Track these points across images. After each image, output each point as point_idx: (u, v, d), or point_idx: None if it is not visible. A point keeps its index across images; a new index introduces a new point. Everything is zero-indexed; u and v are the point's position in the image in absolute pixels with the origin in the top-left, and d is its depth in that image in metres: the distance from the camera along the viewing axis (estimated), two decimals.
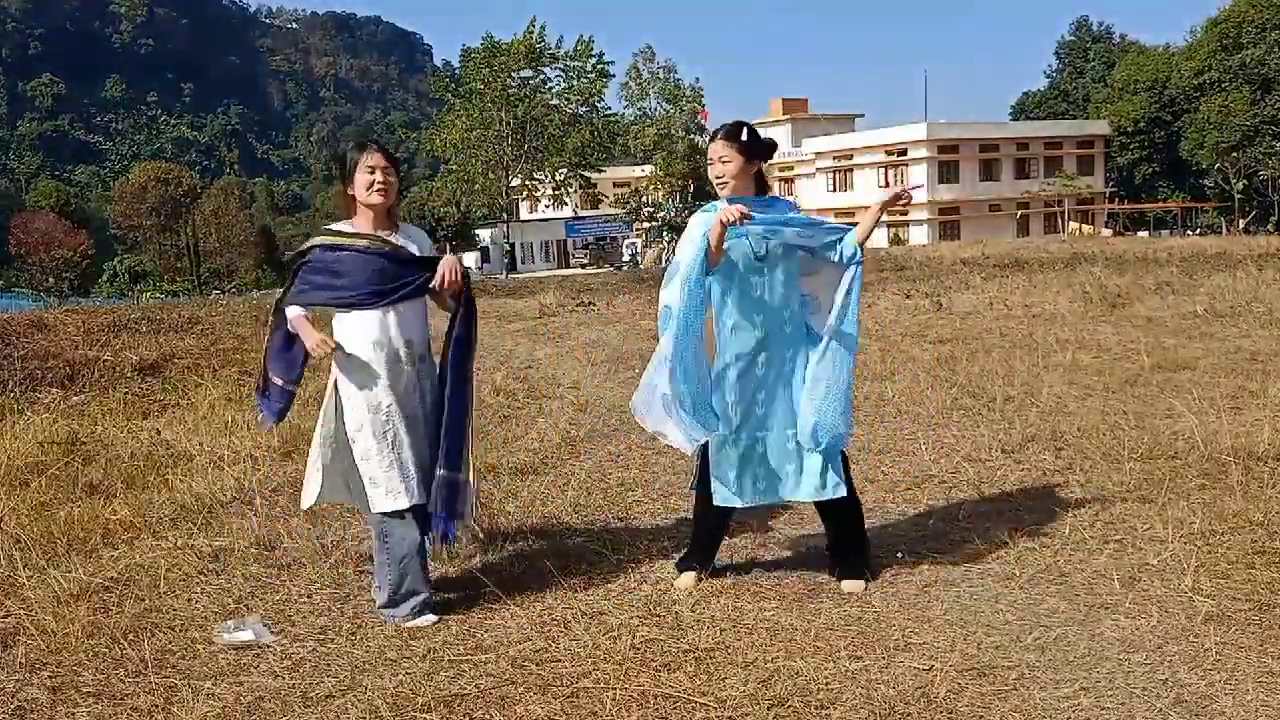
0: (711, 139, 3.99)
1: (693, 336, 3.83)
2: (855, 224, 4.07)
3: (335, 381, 3.89)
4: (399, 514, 3.83)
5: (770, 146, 4.02)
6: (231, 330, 14.74)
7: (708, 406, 3.90)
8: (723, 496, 4.00)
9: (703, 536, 4.16)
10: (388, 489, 3.80)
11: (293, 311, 3.91)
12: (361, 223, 3.87)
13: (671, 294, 3.91)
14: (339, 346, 3.80)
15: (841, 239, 4.01)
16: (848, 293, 4.01)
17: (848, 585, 3.96)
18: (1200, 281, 15.77)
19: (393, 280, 3.82)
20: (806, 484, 3.99)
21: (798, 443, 3.97)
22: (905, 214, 64.26)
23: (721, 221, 3.71)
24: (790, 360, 4.00)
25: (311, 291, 3.89)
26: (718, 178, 3.94)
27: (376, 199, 3.81)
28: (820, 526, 4.27)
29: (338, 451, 3.88)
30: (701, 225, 3.89)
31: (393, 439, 3.82)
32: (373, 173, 3.79)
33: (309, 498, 4.01)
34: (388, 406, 3.82)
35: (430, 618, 3.82)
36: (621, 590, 4.05)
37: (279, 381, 4.02)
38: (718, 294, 3.96)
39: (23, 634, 3.89)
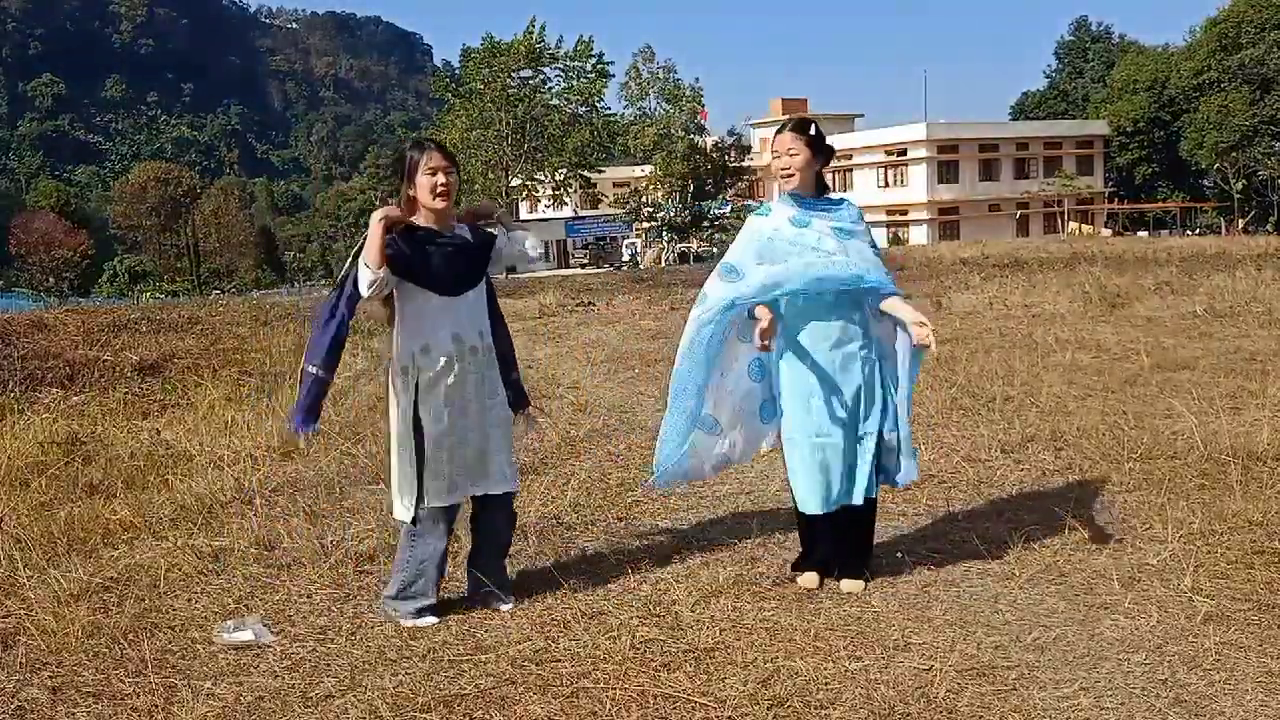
0: (779, 130, 3.94)
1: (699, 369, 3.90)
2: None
3: (391, 382, 3.86)
4: (434, 515, 3.82)
5: (833, 150, 4.02)
6: (231, 330, 14.73)
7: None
8: (802, 502, 3.97)
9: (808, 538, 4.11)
10: (409, 497, 3.79)
11: (363, 283, 3.68)
12: (422, 223, 3.83)
13: (715, 292, 3.90)
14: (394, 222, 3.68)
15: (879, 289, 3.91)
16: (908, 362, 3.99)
17: (848, 585, 3.96)
18: (1200, 281, 15.76)
19: (465, 268, 3.80)
20: (859, 486, 3.94)
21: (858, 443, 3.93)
22: (905, 214, 64.37)
23: (762, 342, 3.72)
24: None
25: (393, 260, 3.68)
26: (784, 170, 3.89)
27: (440, 203, 3.76)
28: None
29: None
30: (755, 234, 3.91)
31: (442, 438, 3.78)
32: (435, 174, 3.74)
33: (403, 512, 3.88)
34: (441, 404, 3.77)
35: (431, 620, 3.82)
36: (621, 590, 4.05)
37: (309, 368, 3.80)
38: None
39: (23, 634, 3.89)
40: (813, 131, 3.90)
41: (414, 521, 3.78)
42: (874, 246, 4.01)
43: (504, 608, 3.89)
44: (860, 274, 3.83)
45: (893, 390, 3.96)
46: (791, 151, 3.87)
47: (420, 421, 3.74)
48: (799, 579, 4.04)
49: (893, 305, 3.87)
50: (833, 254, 3.84)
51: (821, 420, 3.87)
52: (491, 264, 3.94)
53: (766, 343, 3.72)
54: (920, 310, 3.94)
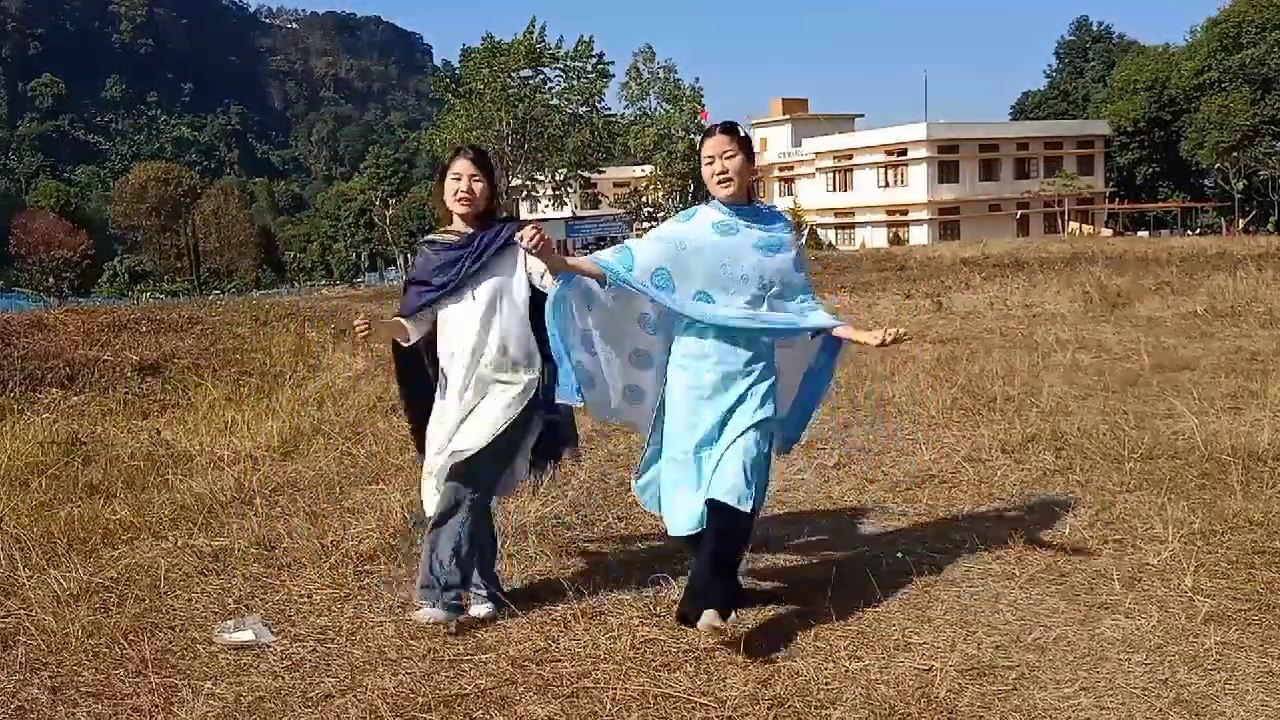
0: (708, 135, 3.70)
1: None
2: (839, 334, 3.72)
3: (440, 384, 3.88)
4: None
5: (754, 156, 3.85)
6: (231, 330, 14.73)
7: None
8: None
9: None
10: (430, 491, 3.87)
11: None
12: (454, 228, 3.86)
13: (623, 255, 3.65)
14: (377, 331, 3.79)
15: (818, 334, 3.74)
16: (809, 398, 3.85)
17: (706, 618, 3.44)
18: (1200, 281, 15.77)
19: (470, 267, 3.77)
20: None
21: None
22: (905, 214, 64.36)
23: None
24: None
25: (410, 300, 3.87)
26: (722, 174, 3.63)
27: (461, 208, 3.79)
28: (820, 527, 4.27)
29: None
30: (677, 233, 3.67)
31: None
32: (458, 179, 3.77)
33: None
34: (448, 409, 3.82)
35: (435, 613, 3.79)
36: (621, 590, 4.05)
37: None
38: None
39: (23, 634, 3.89)
40: (744, 134, 3.70)
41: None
42: (802, 266, 3.75)
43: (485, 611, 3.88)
44: (795, 324, 3.65)
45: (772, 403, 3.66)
46: (728, 154, 3.63)
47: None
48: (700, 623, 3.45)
49: (847, 334, 3.67)
50: (747, 278, 3.59)
51: (690, 436, 3.63)
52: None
53: None
54: (861, 324, 3.75)
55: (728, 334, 3.62)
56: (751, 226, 3.67)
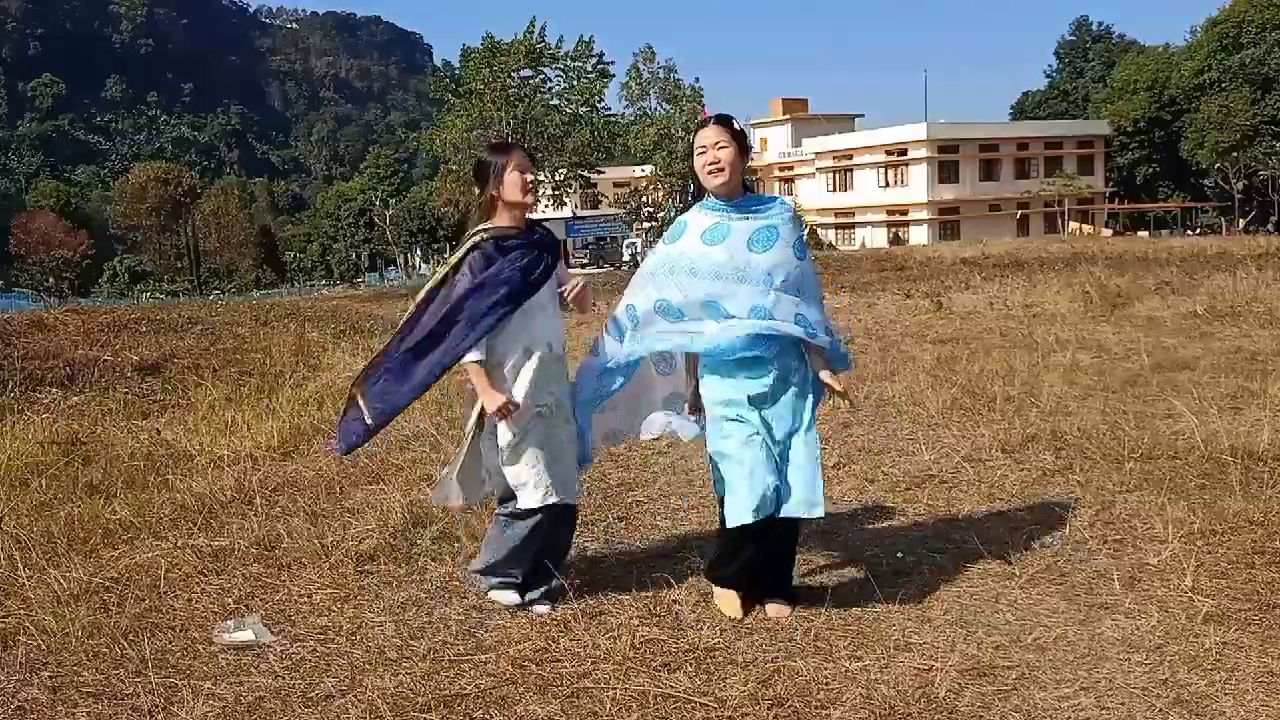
0: (701, 126, 3.69)
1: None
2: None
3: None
4: (549, 508, 3.83)
5: (750, 148, 3.88)
6: (231, 330, 14.72)
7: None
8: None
9: None
10: (537, 486, 3.79)
11: (471, 356, 3.70)
12: (504, 223, 3.84)
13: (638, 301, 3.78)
14: (510, 398, 3.72)
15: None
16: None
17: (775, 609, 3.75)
18: (1200, 281, 15.77)
19: (538, 268, 3.80)
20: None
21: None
22: (905, 214, 64.36)
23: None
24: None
25: (482, 317, 3.70)
26: (713, 164, 3.59)
27: (531, 198, 3.83)
28: (820, 527, 4.26)
29: (484, 447, 3.88)
30: (665, 261, 3.70)
31: (545, 439, 3.80)
32: (523, 172, 3.80)
33: (444, 498, 4.04)
34: (537, 407, 3.80)
35: (510, 597, 3.87)
36: (621, 590, 4.05)
37: (367, 415, 3.81)
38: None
39: (23, 634, 3.89)
40: (737, 126, 3.67)
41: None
42: (802, 253, 3.70)
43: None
44: (777, 327, 3.58)
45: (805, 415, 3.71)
46: (720, 145, 3.58)
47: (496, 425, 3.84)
48: (721, 601, 3.79)
49: (826, 379, 3.71)
50: (745, 277, 3.57)
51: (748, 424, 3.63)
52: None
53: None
54: (836, 380, 3.74)
55: (749, 349, 3.61)
56: (746, 218, 3.63)
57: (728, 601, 3.76)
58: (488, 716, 3.09)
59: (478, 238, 3.79)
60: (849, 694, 3.09)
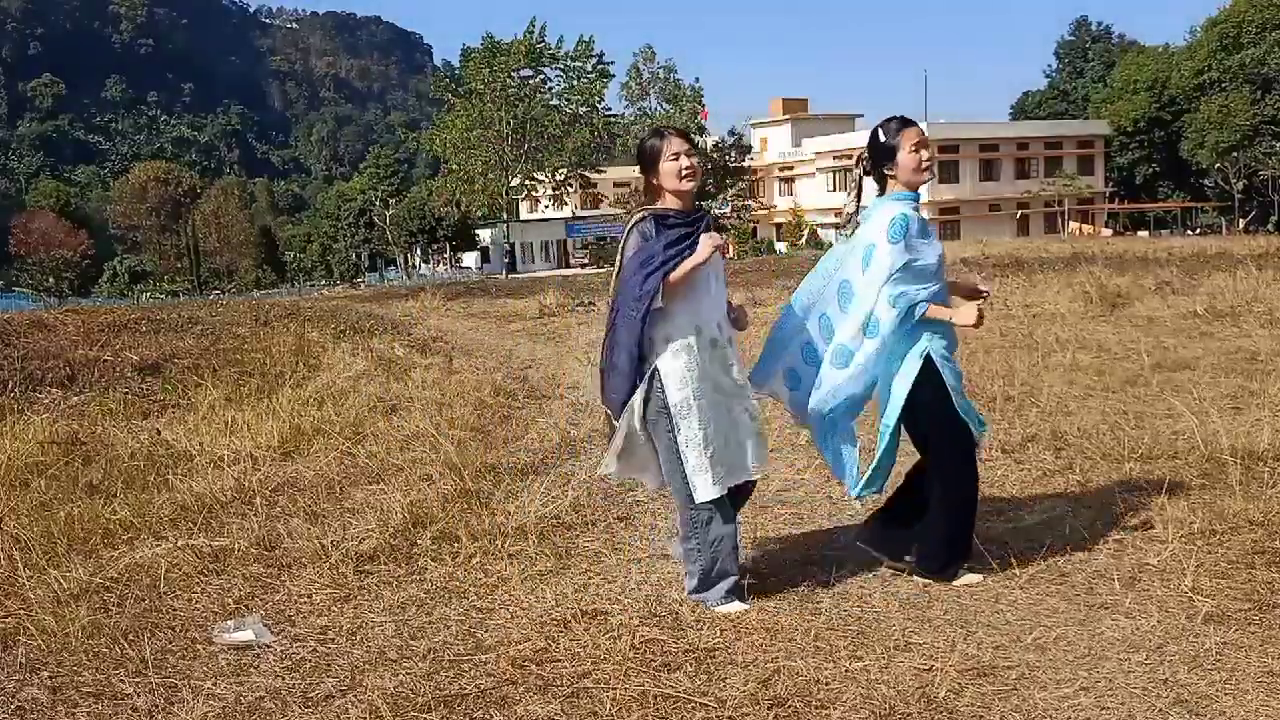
0: (909, 124, 3.93)
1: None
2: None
3: (655, 368, 3.82)
4: (718, 499, 3.81)
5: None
6: (231, 330, 14.73)
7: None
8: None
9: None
10: (713, 475, 3.77)
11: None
12: (671, 207, 3.86)
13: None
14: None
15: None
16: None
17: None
18: (1200, 281, 15.76)
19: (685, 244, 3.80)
20: None
21: None
22: None
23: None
24: None
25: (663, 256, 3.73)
26: (929, 162, 3.93)
27: (689, 185, 3.83)
28: (820, 527, 4.26)
29: (654, 434, 3.85)
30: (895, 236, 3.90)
31: (715, 422, 3.79)
32: (677, 158, 3.81)
33: (610, 468, 4.01)
34: (711, 390, 3.80)
35: (739, 605, 3.79)
36: (621, 590, 4.05)
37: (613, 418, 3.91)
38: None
39: (23, 634, 3.89)
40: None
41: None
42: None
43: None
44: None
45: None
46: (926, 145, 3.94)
47: (671, 408, 3.80)
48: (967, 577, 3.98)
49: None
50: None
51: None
52: None
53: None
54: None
55: None
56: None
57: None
58: (488, 716, 3.09)
59: (638, 216, 3.86)
60: (849, 694, 3.09)
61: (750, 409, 3.93)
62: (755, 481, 4.08)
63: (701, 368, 3.79)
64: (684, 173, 3.81)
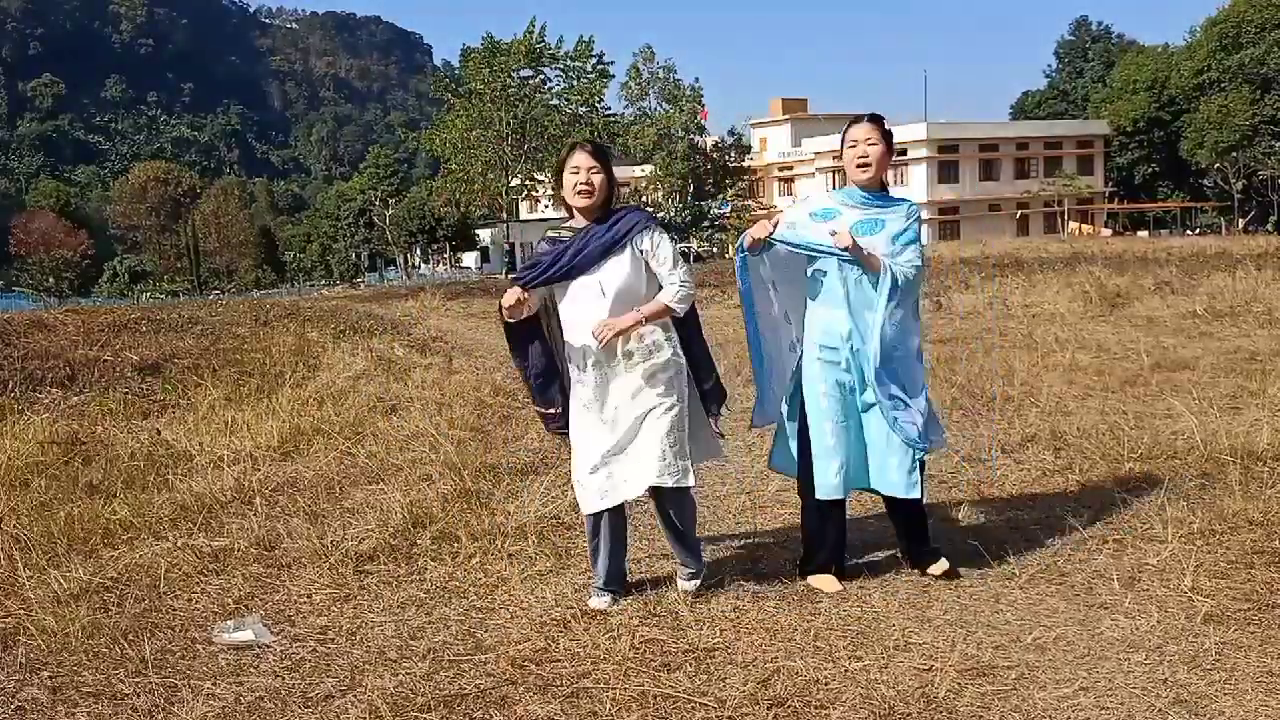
0: (855, 122, 3.98)
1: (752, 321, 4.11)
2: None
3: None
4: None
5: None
6: (231, 330, 14.73)
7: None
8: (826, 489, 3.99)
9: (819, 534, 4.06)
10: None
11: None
12: (576, 223, 3.87)
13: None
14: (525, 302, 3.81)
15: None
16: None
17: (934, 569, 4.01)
18: (1200, 281, 15.76)
19: (570, 262, 3.78)
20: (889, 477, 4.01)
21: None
22: None
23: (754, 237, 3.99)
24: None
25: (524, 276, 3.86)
26: (862, 158, 3.91)
27: (582, 201, 3.80)
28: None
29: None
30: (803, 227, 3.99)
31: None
32: (576, 173, 3.79)
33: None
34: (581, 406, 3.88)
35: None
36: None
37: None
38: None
39: (23, 634, 3.89)
40: (888, 128, 3.97)
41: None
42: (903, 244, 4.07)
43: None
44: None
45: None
46: (871, 141, 3.92)
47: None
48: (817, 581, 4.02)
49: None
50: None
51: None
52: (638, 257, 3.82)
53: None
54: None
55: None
56: (884, 212, 3.96)
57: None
58: (488, 716, 3.09)
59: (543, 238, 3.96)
60: (849, 694, 3.09)
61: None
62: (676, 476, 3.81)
63: (583, 371, 3.81)
64: (579, 188, 3.78)
